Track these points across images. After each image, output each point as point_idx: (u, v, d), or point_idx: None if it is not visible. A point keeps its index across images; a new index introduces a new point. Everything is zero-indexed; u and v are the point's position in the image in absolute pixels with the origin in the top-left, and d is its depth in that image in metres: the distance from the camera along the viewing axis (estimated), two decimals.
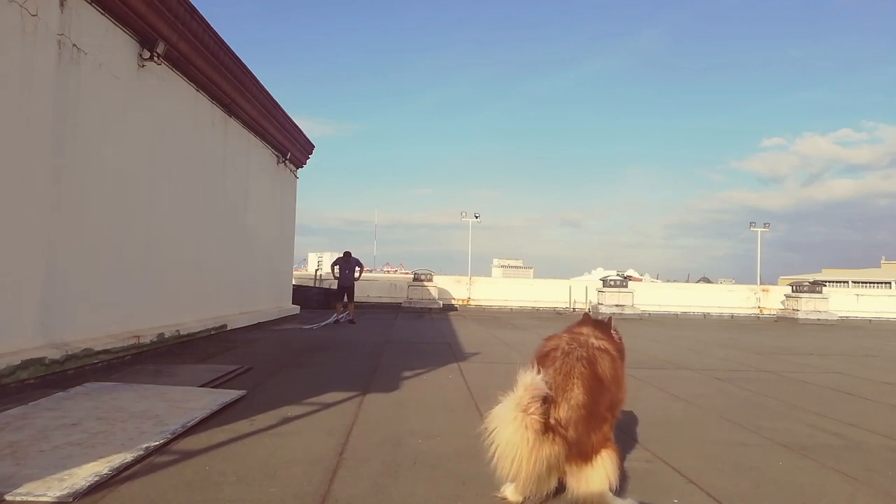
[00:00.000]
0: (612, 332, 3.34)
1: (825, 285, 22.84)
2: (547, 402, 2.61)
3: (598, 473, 2.67)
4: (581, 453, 2.66)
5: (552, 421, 2.61)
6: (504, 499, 2.89)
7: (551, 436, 2.58)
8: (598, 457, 2.68)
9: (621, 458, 2.95)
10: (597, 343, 3.03)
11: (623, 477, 3.36)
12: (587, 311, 3.79)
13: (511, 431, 2.53)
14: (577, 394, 2.70)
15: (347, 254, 14.65)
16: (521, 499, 2.85)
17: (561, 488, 2.80)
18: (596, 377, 2.81)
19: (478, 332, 12.76)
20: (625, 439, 4.21)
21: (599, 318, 3.52)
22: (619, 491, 3.10)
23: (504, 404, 2.61)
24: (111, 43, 7.01)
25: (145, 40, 7.62)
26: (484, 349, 9.56)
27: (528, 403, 2.55)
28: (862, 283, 55.53)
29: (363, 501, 2.91)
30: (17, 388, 5.12)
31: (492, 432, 2.59)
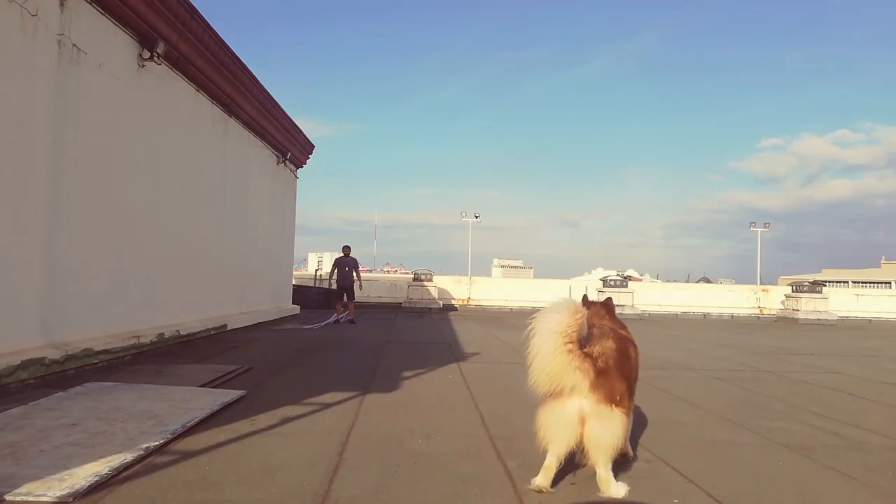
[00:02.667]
0: (616, 315, 3.68)
1: (825, 285, 22.82)
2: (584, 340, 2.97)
3: (613, 420, 2.93)
4: (604, 386, 2.92)
5: (586, 350, 2.94)
6: (537, 488, 3.06)
7: (582, 354, 2.90)
8: (618, 407, 2.96)
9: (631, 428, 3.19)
10: (620, 331, 3.41)
11: (623, 477, 3.37)
12: (584, 294, 4.05)
13: (554, 325, 2.86)
14: (609, 343, 3.09)
15: (347, 248, 14.58)
16: (551, 477, 3.07)
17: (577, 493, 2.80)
18: (624, 347, 3.22)
19: (478, 333, 12.76)
20: None
21: (599, 301, 3.80)
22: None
23: (550, 311, 2.92)
24: (111, 43, 7.01)
25: (145, 40, 7.62)
26: (484, 349, 9.57)
27: (574, 311, 2.89)
28: (862, 283, 55.52)
29: (363, 501, 2.91)
30: (17, 388, 5.12)
31: (534, 328, 2.90)
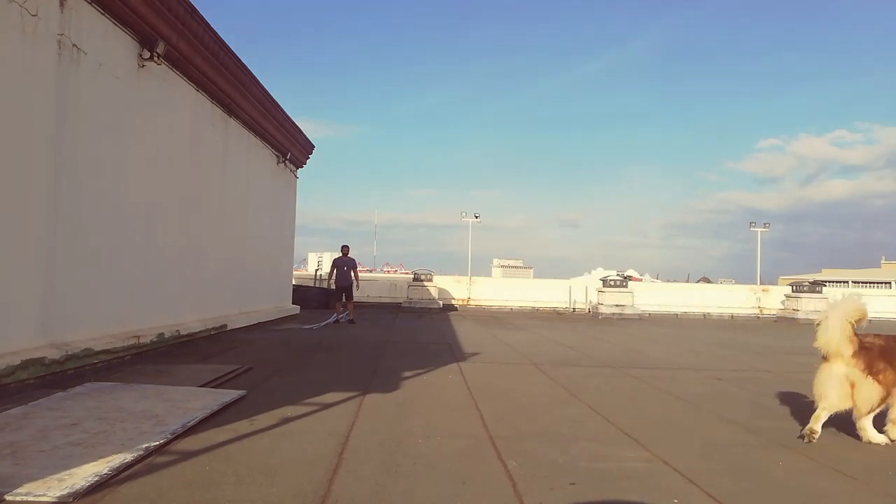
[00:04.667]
0: None
1: (825, 285, 22.83)
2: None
3: (865, 384, 4.03)
4: (864, 359, 4.02)
5: (859, 334, 4.12)
6: (809, 431, 4.14)
7: (854, 333, 4.06)
8: (872, 377, 4.01)
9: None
10: None
11: (623, 477, 3.38)
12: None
13: (840, 310, 4.09)
14: (880, 340, 4.20)
15: (345, 248, 14.54)
16: (820, 425, 4.14)
17: None
18: (891, 349, 4.16)
19: (478, 333, 12.76)
20: (624, 440, 4.21)
21: None
22: (626, 491, 3.14)
23: (840, 301, 4.17)
24: (111, 43, 7.01)
25: (145, 40, 7.62)
26: (484, 349, 9.56)
27: (856, 304, 4.09)
28: (862, 283, 55.51)
29: (363, 501, 2.91)
30: (17, 388, 5.12)
31: (825, 311, 4.15)
